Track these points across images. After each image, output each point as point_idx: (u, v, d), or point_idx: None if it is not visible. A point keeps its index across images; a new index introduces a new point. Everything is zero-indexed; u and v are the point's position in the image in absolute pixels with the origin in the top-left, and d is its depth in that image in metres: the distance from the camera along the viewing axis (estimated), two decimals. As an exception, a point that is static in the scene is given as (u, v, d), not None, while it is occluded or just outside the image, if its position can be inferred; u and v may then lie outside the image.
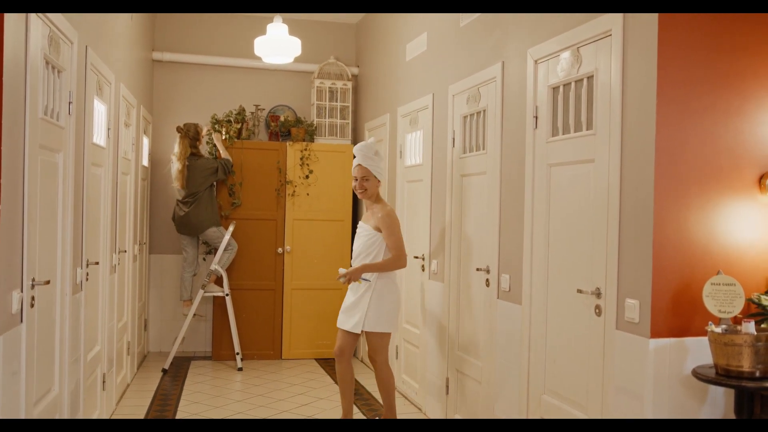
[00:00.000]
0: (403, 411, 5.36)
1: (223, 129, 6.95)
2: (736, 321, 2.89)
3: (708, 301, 2.85)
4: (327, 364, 6.90)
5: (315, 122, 7.32)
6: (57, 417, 3.65)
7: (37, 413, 3.26)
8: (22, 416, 3.03)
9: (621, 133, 3.12)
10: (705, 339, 2.91)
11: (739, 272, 2.99)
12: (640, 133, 3.01)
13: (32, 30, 3.04)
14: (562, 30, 3.58)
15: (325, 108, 7.40)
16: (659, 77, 2.91)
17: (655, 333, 2.90)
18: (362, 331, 4.55)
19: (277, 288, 7.09)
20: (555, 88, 3.70)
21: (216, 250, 6.70)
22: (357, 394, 5.86)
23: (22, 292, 3.01)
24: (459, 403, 4.84)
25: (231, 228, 6.67)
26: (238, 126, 7.03)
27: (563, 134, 3.62)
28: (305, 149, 7.09)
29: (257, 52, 6.23)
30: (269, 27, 6.14)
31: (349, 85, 7.45)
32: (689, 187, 2.96)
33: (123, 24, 5.42)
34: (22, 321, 3.02)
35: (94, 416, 4.59)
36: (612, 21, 3.18)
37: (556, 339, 3.65)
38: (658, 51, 2.91)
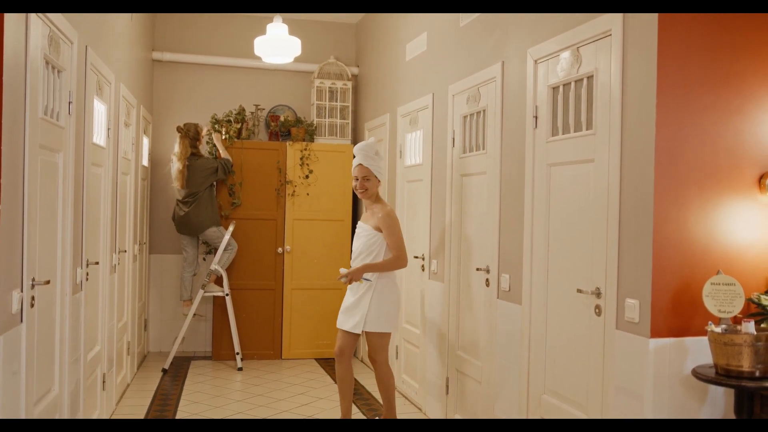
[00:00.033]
0: (403, 411, 5.36)
1: (223, 129, 6.95)
2: (736, 321, 2.89)
3: (708, 301, 2.85)
4: (327, 364, 6.90)
5: (315, 122, 7.32)
6: (57, 417, 3.65)
7: (37, 413, 3.26)
8: (22, 416, 3.03)
9: (621, 133, 3.12)
10: (705, 339, 2.91)
11: (738, 272, 2.99)
12: (639, 133, 3.01)
13: (32, 30, 3.04)
14: (562, 30, 3.58)
15: (325, 108, 7.40)
16: (659, 77, 2.92)
17: (655, 333, 2.91)
18: (362, 331, 4.55)
19: (277, 288, 7.09)
20: (555, 88, 3.70)
21: (216, 250, 6.70)
22: (357, 394, 5.86)
23: (22, 292, 3.01)
24: (459, 403, 4.84)
25: (231, 228, 6.67)
26: (238, 126, 7.03)
27: (563, 134, 3.62)
28: (305, 149, 7.09)
29: (257, 52, 6.23)
30: (269, 27, 6.14)
31: (349, 85, 7.45)
32: (689, 187, 2.96)
33: (123, 24, 5.42)
34: (22, 321, 3.02)
35: (94, 416, 4.59)
36: (612, 21, 3.18)
37: (556, 339, 3.65)
38: (657, 51, 2.91)
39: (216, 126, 6.98)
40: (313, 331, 7.15)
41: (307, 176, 7.08)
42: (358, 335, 4.62)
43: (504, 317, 4.15)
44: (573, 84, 3.54)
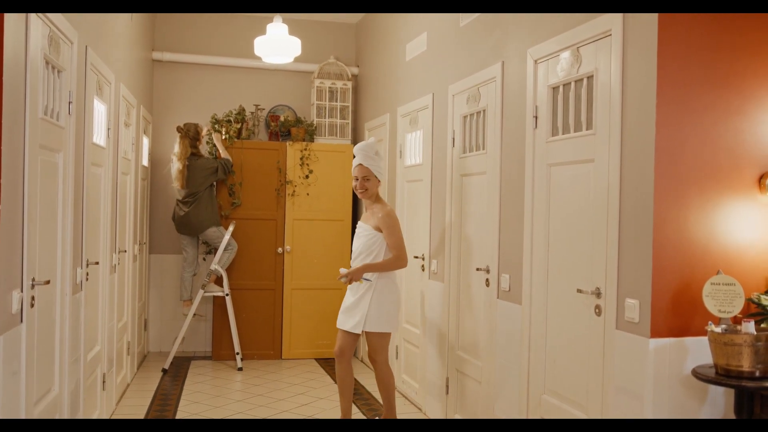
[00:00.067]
0: (403, 411, 5.36)
1: (223, 129, 6.95)
2: (736, 321, 2.89)
3: (708, 301, 2.85)
4: (327, 363, 6.90)
5: (315, 122, 7.32)
6: (57, 417, 3.65)
7: (37, 413, 3.26)
8: (22, 416, 3.03)
9: (621, 132, 3.12)
10: (705, 339, 2.91)
11: (738, 272, 2.99)
12: (639, 133, 3.01)
13: (32, 30, 3.04)
14: (562, 30, 3.58)
15: (325, 108, 7.40)
16: (659, 77, 2.92)
17: (655, 333, 2.91)
18: (362, 331, 4.55)
19: (277, 288, 7.09)
20: (555, 88, 3.70)
21: (216, 250, 6.70)
22: (357, 393, 5.86)
23: (22, 292, 3.01)
24: (459, 403, 4.84)
25: (231, 228, 6.67)
26: (238, 126, 7.03)
27: (563, 134, 3.62)
28: (305, 149, 7.09)
29: (257, 52, 6.23)
30: (269, 27, 6.14)
31: (349, 85, 7.45)
32: (689, 187, 2.96)
33: (123, 24, 5.42)
34: (22, 321, 3.02)
35: (94, 416, 4.59)
36: (612, 21, 3.18)
37: (556, 339, 3.65)
38: (657, 51, 2.91)
39: (216, 126, 6.98)
40: (313, 331, 7.15)
41: (307, 176, 7.08)
42: (359, 335, 4.62)
43: (504, 317, 4.15)
44: (573, 84, 3.54)
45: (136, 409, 5.33)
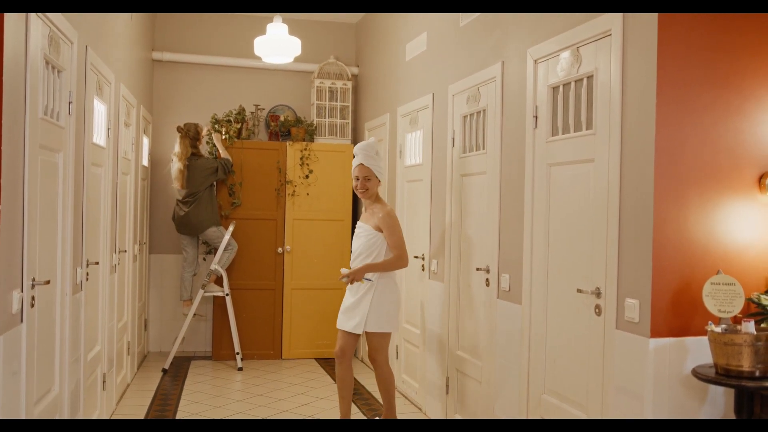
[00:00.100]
0: (403, 411, 5.36)
1: (223, 129, 6.95)
2: (736, 320, 2.89)
3: (708, 301, 2.85)
4: (327, 363, 6.90)
5: (315, 122, 7.32)
6: (57, 417, 3.65)
7: (37, 413, 3.26)
8: (23, 416, 3.03)
9: (621, 132, 3.12)
10: (705, 339, 2.91)
11: (738, 272, 2.99)
12: (639, 132, 3.01)
13: (32, 30, 3.04)
14: (561, 30, 3.58)
15: (325, 108, 7.40)
16: (659, 77, 2.92)
17: (655, 333, 2.91)
18: (363, 331, 4.55)
19: (277, 288, 7.09)
20: (555, 88, 3.70)
21: (216, 249, 6.70)
22: (357, 393, 5.86)
23: (22, 291, 3.01)
24: (459, 403, 4.84)
25: (231, 228, 6.68)
26: (238, 126, 7.03)
27: (563, 134, 3.62)
28: (305, 149, 7.09)
29: (257, 52, 6.23)
30: (269, 27, 6.14)
31: (349, 84, 7.45)
32: (689, 186, 2.96)
33: (123, 24, 5.42)
34: (22, 321, 3.02)
35: (94, 416, 4.59)
36: (612, 21, 3.18)
37: (556, 339, 3.65)
38: (657, 51, 2.91)
39: (216, 126, 6.98)
40: (313, 331, 7.16)
41: (307, 176, 7.08)
42: (359, 335, 4.62)
43: (504, 317, 4.15)
44: (573, 84, 3.54)
45: (136, 409, 5.33)
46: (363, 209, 4.81)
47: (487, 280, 4.39)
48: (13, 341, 2.91)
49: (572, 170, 3.53)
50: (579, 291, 3.39)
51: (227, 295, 6.69)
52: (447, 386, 4.99)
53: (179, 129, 6.64)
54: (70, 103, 3.74)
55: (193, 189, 6.59)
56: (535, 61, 3.83)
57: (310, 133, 7.23)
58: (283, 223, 7.09)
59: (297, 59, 6.71)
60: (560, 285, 3.62)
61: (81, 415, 4.12)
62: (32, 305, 3.15)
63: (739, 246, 3.03)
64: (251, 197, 7.01)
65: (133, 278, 6.06)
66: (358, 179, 4.63)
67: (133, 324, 6.09)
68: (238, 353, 6.67)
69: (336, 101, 7.42)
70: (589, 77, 3.39)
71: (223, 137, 6.91)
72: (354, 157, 4.67)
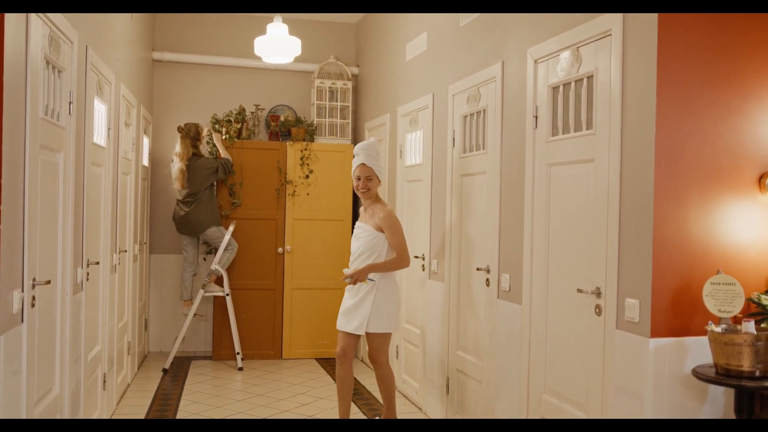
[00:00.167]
0: (403, 411, 5.36)
1: (223, 129, 6.96)
2: (736, 320, 2.89)
3: (708, 301, 2.85)
4: (327, 363, 6.91)
5: (315, 122, 7.32)
6: (57, 417, 3.66)
7: (37, 413, 3.26)
8: (23, 416, 3.03)
9: (621, 132, 3.12)
10: (705, 338, 2.91)
11: (738, 272, 2.99)
12: (639, 132, 3.01)
13: (32, 30, 3.04)
14: (562, 30, 3.58)
15: (325, 108, 7.40)
16: (659, 77, 2.92)
17: (655, 333, 2.91)
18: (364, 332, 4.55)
19: (277, 288, 7.10)
20: (555, 88, 3.70)
21: (216, 249, 6.70)
22: (357, 393, 5.86)
23: (22, 291, 3.01)
24: (459, 403, 4.84)
25: (231, 228, 6.68)
26: (238, 126, 7.03)
27: (563, 134, 3.63)
28: (305, 149, 7.09)
29: (257, 52, 6.24)
30: (269, 27, 6.14)
31: (349, 84, 7.45)
32: (689, 186, 2.97)
33: (123, 24, 5.42)
34: (22, 321, 3.02)
35: (95, 416, 4.59)
36: (612, 21, 3.18)
37: (556, 339, 3.65)
38: (657, 51, 2.91)
39: (216, 126, 6.99)
40: (313, 331, 7.16)
41: (307, 176, 7.09)
42: (360, 336, 4.62)
43: (504, 317, 4.15)
44: (573, 84, 3.54)
45: (137, 409, 5.33)
46: (361, 209, 4.80)
47: (487, 280, 4.39)
48: (14, 341, 2.91)
49: (572, 170, 3.53)
50: (579, 291, 3.39)
51: (227, 295, 6.69)
52: (447, 386, 4.99)
53: (180, 129, 6.64)
54: (70, 103, 3.74)
55: (193, 189, 6.59)
56: (535, 61, 3.83)
57: (310, 133, 7.23)
58: (283, 223, 7.09)
59: (297, 59, 6.71)
60: (560, 285, 3.62)
61: (81, 415, 4.12)
62: (33, 305, 3.15)
63: (739, 246, 3.03)
64: (251, 197, 7.01)
65: (134, 278, 6.06)
66: (359, 179, 4.62)
67: (133, 324, 6.09)
68: (238, 353, 6.67)
69: (336, 101, 7.42)
70: (589, 77, 3.39)
71: (224, 137, 6.91)
72: (354, 157, 4.67)
